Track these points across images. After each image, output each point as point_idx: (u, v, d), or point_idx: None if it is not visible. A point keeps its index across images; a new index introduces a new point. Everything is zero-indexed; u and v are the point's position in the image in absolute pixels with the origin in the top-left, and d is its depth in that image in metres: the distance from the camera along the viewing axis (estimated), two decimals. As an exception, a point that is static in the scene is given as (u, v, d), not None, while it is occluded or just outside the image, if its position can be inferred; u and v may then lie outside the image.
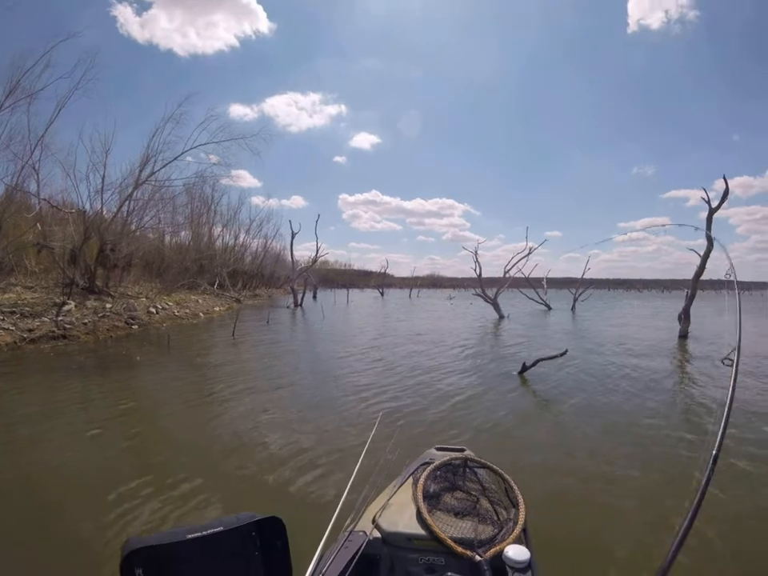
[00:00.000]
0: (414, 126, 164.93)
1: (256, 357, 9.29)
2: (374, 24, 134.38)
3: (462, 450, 2.11)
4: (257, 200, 55.48)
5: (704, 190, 12.47)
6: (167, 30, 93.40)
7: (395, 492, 1.79)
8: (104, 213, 16.10)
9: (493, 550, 1.40)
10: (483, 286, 21.88)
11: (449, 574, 1.42)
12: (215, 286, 26.44)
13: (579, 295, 28.12)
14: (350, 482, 1.64)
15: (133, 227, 17.38)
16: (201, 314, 17.54)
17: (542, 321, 19.84)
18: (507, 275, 22.72)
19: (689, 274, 13.21)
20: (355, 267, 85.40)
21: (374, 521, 1.59)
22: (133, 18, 75.26)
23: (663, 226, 3.23)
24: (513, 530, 1.51)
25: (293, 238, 28.65)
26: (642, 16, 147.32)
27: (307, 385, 6.91)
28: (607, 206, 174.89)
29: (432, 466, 1.79)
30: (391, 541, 1.52)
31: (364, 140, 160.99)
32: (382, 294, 49.50)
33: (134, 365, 8.15)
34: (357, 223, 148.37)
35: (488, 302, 21.16)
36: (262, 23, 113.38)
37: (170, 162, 16.50)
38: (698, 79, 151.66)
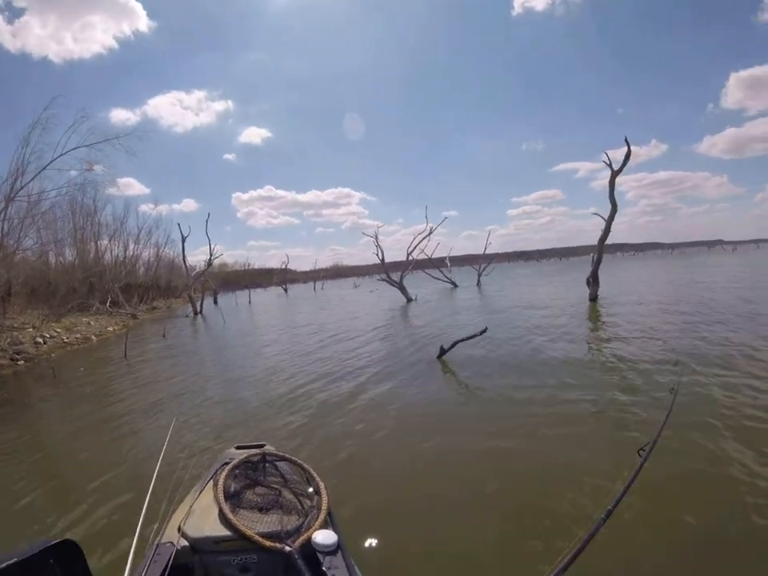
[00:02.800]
0: (304, 117, 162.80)
1: (143, 377, 8.52)
2: (257, 17, 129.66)
3: (262, 446, 2.12)
4: (146, 207, 51.33)
5: (605, 154, 12.72)
6: (41, 37, 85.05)
7: (198, 497, 1.76)
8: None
9: (301, 539, 1.45)
10: (388, 271, 22.74)
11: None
12: (108, 304, 24.39)
13: (482, 270, 30.05)
14: (149, 492, 1.62)
15: (10, 250, 15.51)
16: (93, 337, 16.23)
17: (450, 299, 20.25)
18: (410, 257, 23.72)
19: (583, 241, 14.22)
20: (256, 266, 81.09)
21: (179, 529, 1.54)
22: (4, 27, 66.18)
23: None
24: (318, 517, 1.57)
25: (183, 241, 27.45)
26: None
27: (172, 399, 6.43)
28: (501, 182, 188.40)
29: (230, 465, 1.82)
30: (200, 547, 1.49)
31: (254, 134, 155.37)
32: (286, 291, 47.86)
33: (16, 406, 7.23)
34: (253, 221, 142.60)
35: (394, 285, 21.86)
36: (142, 22, 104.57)
37: (39, 173, 14.81)
38: (582, 57, 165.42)
